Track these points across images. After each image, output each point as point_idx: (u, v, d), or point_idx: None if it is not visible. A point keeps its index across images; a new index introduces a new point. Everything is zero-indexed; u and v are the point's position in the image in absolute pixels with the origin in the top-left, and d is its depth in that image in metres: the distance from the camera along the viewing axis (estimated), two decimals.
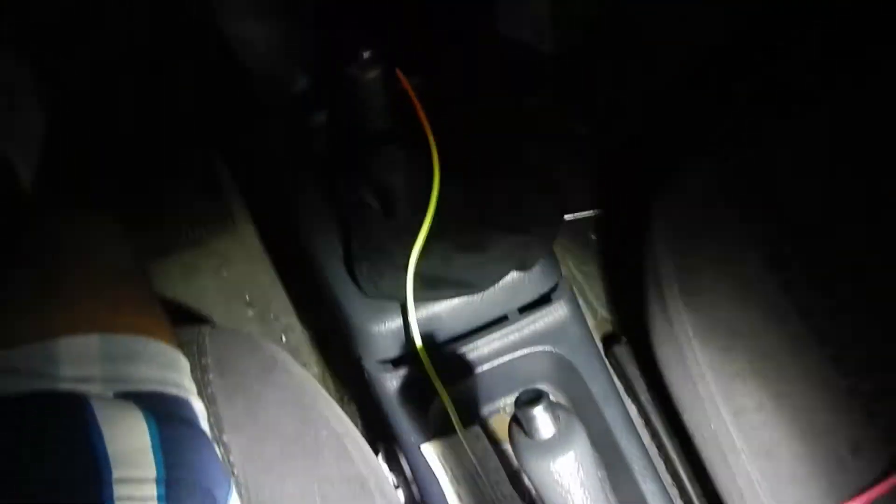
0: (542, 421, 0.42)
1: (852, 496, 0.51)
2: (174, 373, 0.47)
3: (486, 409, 0.71)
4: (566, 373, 0.69)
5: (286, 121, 0.74)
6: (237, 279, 0.95)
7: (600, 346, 0.77)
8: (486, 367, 0.69)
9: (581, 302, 0.83)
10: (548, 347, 0.69)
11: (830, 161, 0.59)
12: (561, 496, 0.43)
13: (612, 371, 0.73)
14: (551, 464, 0.42)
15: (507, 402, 0.73)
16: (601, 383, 0.68)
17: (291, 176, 0.72)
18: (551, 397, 0.43)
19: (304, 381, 0.58)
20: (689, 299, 0.59)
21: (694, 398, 0.59)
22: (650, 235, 0.62)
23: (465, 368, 0.69)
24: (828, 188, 0.59)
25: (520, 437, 0.42)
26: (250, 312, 0.94)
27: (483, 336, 0.68)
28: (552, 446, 0.42)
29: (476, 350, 0.69)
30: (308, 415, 0.56)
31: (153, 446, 0.41)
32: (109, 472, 0.39)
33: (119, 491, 0.39)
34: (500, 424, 0.71)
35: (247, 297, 0.95)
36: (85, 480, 0.38)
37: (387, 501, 0.52)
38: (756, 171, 0.60)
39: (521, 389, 0.71)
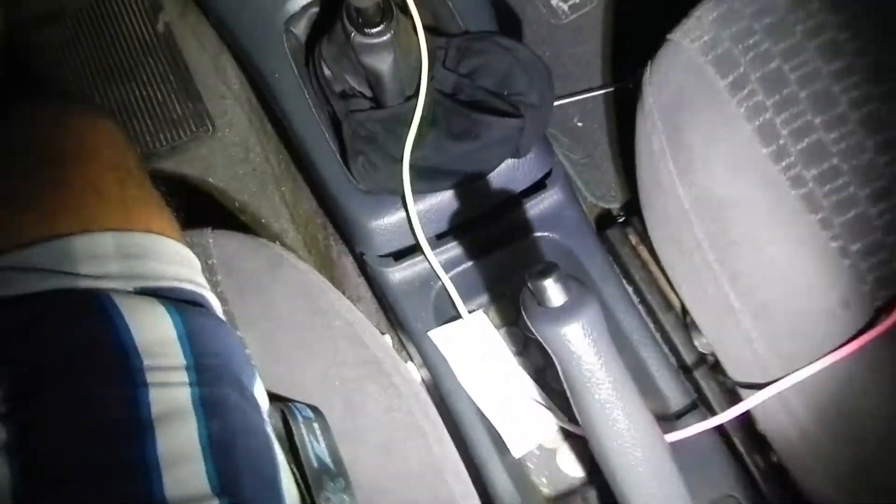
0: (553, 291, 0.43)
1: (842, 344, 0.54)
2: (188, 269, 0.48)
3: (487, 296, 0.73)
4: (564, 257, 0.71)
5: (259, 5, 0.70)
6: (224, 185, 0.94)
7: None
8: (485, 255, 0.71)
9: None
10: (545, 233, 0.71)
11: (821, 27, 0.59)
12: (575, 361, 0.45)
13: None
14: (563, 330, 0.44)
15: (507, 288, 0.75)
16: (598, 264, 0.70)
17: (271, 67, 0.69)
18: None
19: (311, 276, 0.59)
20: (683, 173, 0.60)
21: (691, 268, 0.61)
22: (641, 110, 0.62)
23: (465, 258, 0.70)
24: (819, 57, 0.59)
25: (532, 306, 0.44)
26: (241, 218, 0.94)
27: (481, 225, 0.70)
28: (562, 313, 0.44)
29: (475, 239, 0.70)
30: (319, 306, 0.57)
31: (178, 336, 0.42)
32: (140, 361, 0.40)
33: (151, 378, 0.40)
34: (501, 309, 0.74)
35: (235, 204, 0.94)
36: (117, 370, 0.39)
37: (403, 379, 0.55)
38: (745, 38, 0.60)
39: (519, 276, 0.74)
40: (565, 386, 0.49)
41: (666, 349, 0.72)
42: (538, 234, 0.71)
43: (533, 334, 0.46)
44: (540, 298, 0.44)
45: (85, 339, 0.39)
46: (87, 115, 0.49)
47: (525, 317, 0.45)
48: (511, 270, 0.73)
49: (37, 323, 0.39)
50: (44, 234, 0.42)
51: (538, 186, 0.70)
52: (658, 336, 0.76)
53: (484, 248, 0.70)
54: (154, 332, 0.41)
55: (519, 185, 0.69)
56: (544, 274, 0.43)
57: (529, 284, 0.44)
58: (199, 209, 0.92)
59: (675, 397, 0.66)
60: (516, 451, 0.66)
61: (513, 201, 0.70)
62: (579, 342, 0.44)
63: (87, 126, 0.48)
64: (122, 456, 0.38)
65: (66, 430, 0.38)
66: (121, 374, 0.39)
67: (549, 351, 0.46)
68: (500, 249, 0.71)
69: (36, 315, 0.39)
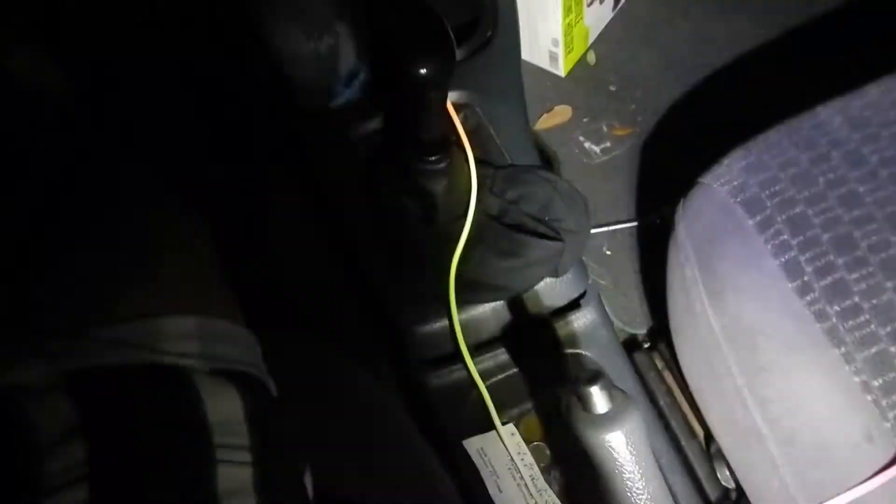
0: (599, 398, 0.46)
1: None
2: (254, 355, 0.51)
3: (519, 409, 0.75)
4: None
5: (330, 130, 0.78)
6: (289, 293, 0.98)
7: None
8: (519, 368, 0.74)
9: None
10: (578, 351, 0.74)
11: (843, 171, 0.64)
12: (616, 469, 0.47)
13: None
14: (606, 436, 0.46)
15: (539, 403, 0.77)
16: (629, 385, 0.73)
17: (337, 183, 0.76)
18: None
19: (358, 371, 0.62)
20: (714, 301, 0.64)
21: (720, 393, 0.63)
22: (674, 241, 0.67)
23: (500, 369, 0.73)
24: (839, 205, 0.64)
25: (577, 412, 0.47)
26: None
27: (518, 339, 0.73)
28: (606, 420, 0.46)
29: (511, 352, 0.73)
30: (361, 402, 0.60)
31: (246, 417, 0.45)
32: (213, 439, 0.43)
33: (220, 455, 0.43)
34: (531, 424, 0.75)
35: (298, 309, 0.98)
36: (195, 446, 0.42)
37: (442, 484, 0.56)
38: (772, 185, 0.66)
39: (552, 391, 0.77)
40: (603, 497, 0.50)
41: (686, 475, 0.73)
42: (571, 351, 0.74)
43: (564, 450, 0.48)
44: (585, 404, 0.46)
45: (168, 413, 0.43)
46: (181, 216, 0.55)
47: (569, 422, 0.47)
48: (544, 385, 0.76)
49: (125, 392, 0.43)
50: (137, 312, 0.46)
51: (573, 305, 0.75)
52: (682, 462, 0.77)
53: (519, 361, 0.74)
54: (226, 411, 0.45)
55: (556, 303, 0.73)
56: (591, 381, 0.46)
57: (576, 390, 0.47)
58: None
59: None
60: None
61: (549, 318, 0.74)
62: (622, 450, 0.46)
63: (179, 223, 0.53)
64: None
65: (143, 500, 0.40)
66: (197, 450, 0.42)
67: (590, 458, 0.48)
68: (534, 363, 0.74)
69: (125, 385, 0.43)
